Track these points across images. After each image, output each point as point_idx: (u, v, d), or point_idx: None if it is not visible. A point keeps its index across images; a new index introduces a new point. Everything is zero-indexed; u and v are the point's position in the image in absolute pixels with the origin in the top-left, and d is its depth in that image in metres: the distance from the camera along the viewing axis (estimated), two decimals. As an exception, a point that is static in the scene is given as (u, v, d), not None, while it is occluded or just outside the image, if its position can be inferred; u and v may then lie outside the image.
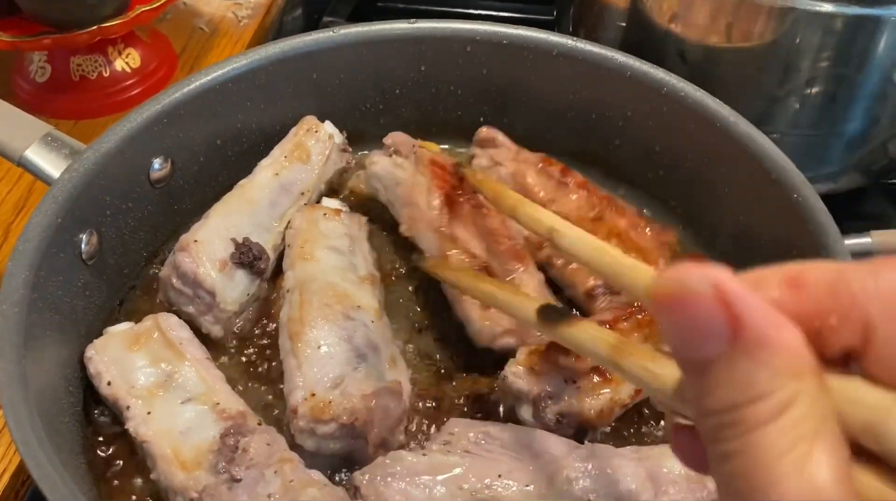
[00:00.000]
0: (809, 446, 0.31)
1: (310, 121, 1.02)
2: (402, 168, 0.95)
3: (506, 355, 0.83)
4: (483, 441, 0.75)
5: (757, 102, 1.04)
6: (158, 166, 0.93)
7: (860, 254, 0.79)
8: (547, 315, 0.58)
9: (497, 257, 0.88)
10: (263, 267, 0.89)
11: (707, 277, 0.32)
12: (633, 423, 0.84)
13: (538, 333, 0.83)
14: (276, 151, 0.99)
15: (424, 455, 0.74)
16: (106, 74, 1.30)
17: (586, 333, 0.50)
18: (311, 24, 1.61)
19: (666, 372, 0.40)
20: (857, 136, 1.10)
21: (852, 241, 0.80)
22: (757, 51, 1.02)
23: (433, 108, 1.08)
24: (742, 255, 0.93)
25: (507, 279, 0.87)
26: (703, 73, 1.00)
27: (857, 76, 1.04)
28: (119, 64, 1.32)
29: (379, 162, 0.97)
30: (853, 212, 0.84)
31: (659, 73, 0.95)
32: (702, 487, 0.71)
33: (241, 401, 0.80)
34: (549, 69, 1.02)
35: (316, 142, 1.01)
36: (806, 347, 0.33)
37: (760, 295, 0.35)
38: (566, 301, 0.93)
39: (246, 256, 0.88)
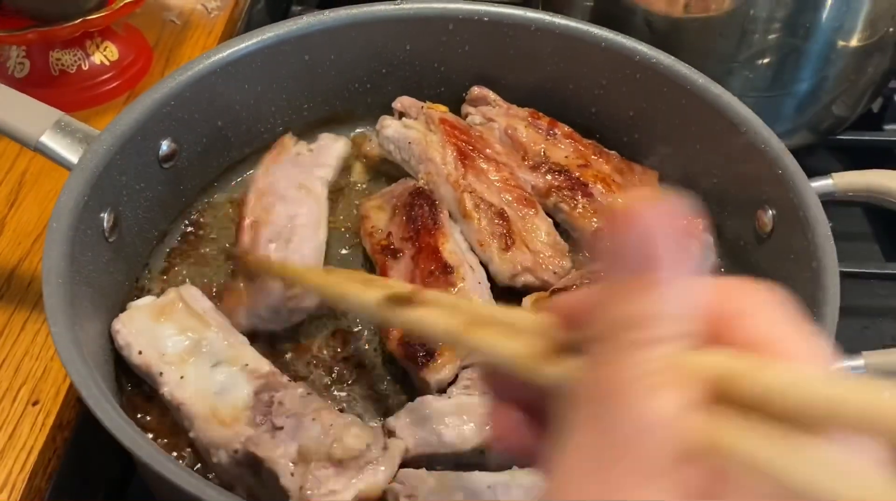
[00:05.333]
0: (664, 381, 0.33)
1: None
2: (412, 128, 1.03)
3: (525, 291, 0.92)
4: (500, 382, 0.81)
5: (717, 68, 1.12)
6: (167, 147, 0.97)
7: (824, 195, 0.89)
8: (394, 300, 0.53)
9: (510, 204, 0.96)
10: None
11: (671, 210, 0.34)
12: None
13: (552, 270, 0.92)
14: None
15: (449, 398, 0.80)
16: (85, 68, 1.32)
17: (432, 315, 0.48)
18: (277, 14, 1.64)
19: (515, 345, 0.41)
20: (806, 98, 1.20)
21: (816, 184, 0.89)
22: (716, 20, 1.11)
23: (417, 86, 1.13)
24: (717, 204, 1.01)
25: (522, 222, 0.96)
26: (669, 42, 1.07)
27: (805, 44, 1.13)
28: (98, 57, 1.33)
29: (391, 125, 1.04)
30: (804, 166, 0.93)
31: (631, 43, 1.03)
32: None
33: (268, 362, 0.85)
34: (527, 44, 1.08)
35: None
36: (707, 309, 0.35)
37: None
38: (574, 242, 1.00)
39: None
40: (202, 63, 0.97)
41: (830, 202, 0.92)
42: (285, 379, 0.83)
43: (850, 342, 1.07)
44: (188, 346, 0.85)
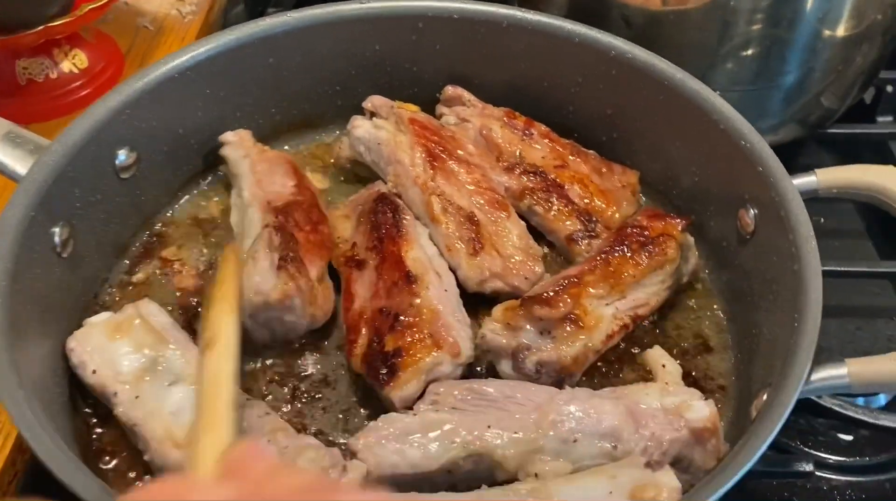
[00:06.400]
0: None
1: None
2: (383, 128, 1.00)
3: (493, 300, 0.88)
4: (469, 397, 0.78)
5: (699, 62, 1.08)
6: (124, 157, 0.93)
7: (808, 192, 0.84)
8: None
9: (481, 207, 0.92)
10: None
11: None
12: (604, 369, 0.88)
13: (523, 276, 0.89)
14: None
15: (415, 415, 0.76)
16: (53, 76, 1.28)
17: None
18: (254, 17, 1.60)
19: None
20: (793, 90, 1.15)
21: (799, 180, 0.84)
22: (695, 13, 1.07)
23: (389, 87, 1.10)
24: (698, 204, 0.97)
25: (493, 226, 0.92)
26: (647, 37, 1.03)
27: (789, 34, 1.09)
28: (66, 65, 1.30)
29: (361, 125, 1.01)
30: (794, 163, 0.89)
31: (606, 38, 0.99)
32: (678, 418, 0.75)
33: (229, 379, 0.81)
34: (500, 41, 1.04)
35: None
36: None
37: None
38: (547, 245, 0.99)
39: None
40: (160, 69, 0.94)
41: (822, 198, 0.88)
42: (244, 397, 0.80)
43: (843, 345, 1.04)
44: (144, 364, 0.81)
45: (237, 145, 0.99)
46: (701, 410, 0.74)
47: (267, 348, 0.88)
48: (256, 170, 0.95)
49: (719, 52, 1.09)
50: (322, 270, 0.89)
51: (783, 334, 0.77)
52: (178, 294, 0.94)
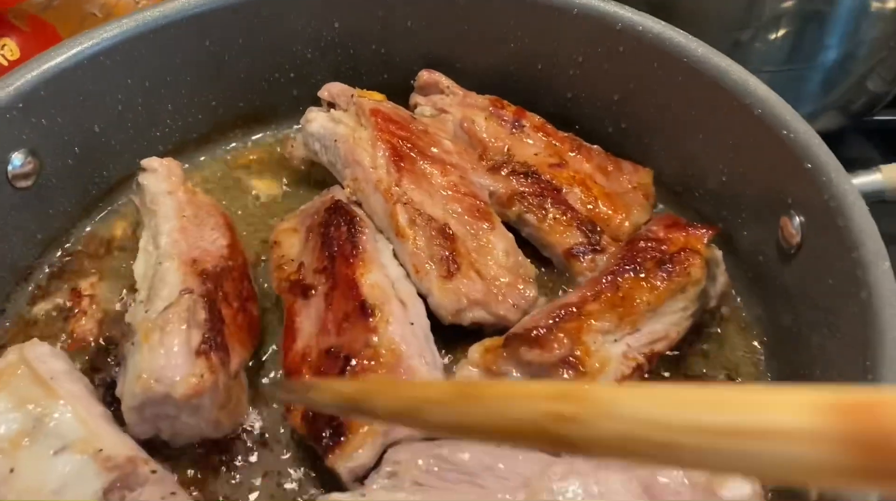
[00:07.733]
0: None
1: None
2: (341, 122, 0.83)
3: (477, 332, 0.71)
4: (436, 468, 0.60)
5: (722, 37, 0.92)
6: (19, 163, 0.76)
7: (871, 195, 0.67)
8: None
9: (458, 217, 0.75)
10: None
11: None
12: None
13: (511, 302, 0.70)
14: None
15: (364, 495, 0.58)
16: (-23, 69, 1.12)
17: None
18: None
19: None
20: (833, 71, 0.99)
21: (861, 180, 0.67)
22: (719, -23, 0.89)
23: (354, 72, 0.93)
24: (727, 209, 0.79)
25: (473, 241, 0.74)
26: (661, 7, 0.86)
27: (830, 5, 0.93)
28: (-7, 56, 1.14)
29: (316, 119, 0.85)
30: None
31: (611, 8, 0.82)
32: (710, 496, 0.57)
33: (132, 444, 0.65)
34: (484, 16, 0.89)
35: None
36: None
37: None
38: (543, 261, 0.82)
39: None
40: (62, 54, 0.77)
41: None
42: (150, 467, 0.62)
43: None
44: (25, 425, 0.64)
45: (162, 177, 0.78)
46: (739, 488, 0.56)
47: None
48: (183, 214, 0.75)
49: (748, 26, 0.92)
50: (241, 364, 0.69)
51: (846, 381, 0.59)
52: (68, 341, 0.76)
